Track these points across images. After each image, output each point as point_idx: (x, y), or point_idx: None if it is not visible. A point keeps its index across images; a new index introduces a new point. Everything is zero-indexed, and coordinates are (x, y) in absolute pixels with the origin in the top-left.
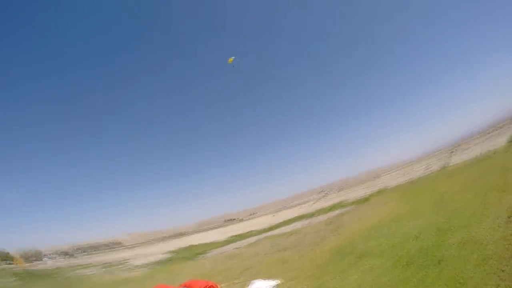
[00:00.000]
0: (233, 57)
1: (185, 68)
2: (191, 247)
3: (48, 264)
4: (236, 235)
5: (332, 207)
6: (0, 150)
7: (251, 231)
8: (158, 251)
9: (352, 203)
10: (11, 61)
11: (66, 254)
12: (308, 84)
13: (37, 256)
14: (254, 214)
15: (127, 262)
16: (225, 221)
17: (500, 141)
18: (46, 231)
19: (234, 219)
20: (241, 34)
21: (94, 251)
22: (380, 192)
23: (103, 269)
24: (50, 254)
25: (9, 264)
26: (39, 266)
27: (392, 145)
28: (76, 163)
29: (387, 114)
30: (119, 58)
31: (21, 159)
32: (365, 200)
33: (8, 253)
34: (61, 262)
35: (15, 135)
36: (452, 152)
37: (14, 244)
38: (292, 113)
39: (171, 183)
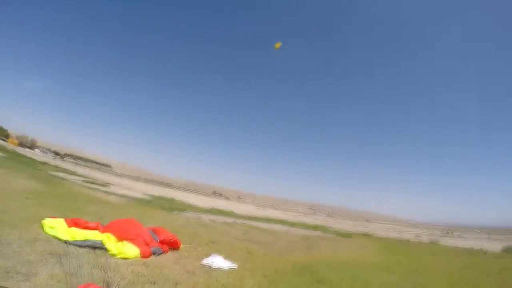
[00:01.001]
0: (280, 43)
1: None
2: (171, 199)
3: (37, 155)
4: (217, 210)
5: (314, 227)
6: None
7: (233, 211)
8: (140, 190)
9: (335, 232)
10: None
11: (56, 154)
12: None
13: (31, 144)
14: (241, 198)
15: (108, 186)
16: (212, 192)
17: (496, 246)
18: (49, 125)
19: (221, 195)
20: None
21: (83, 163)
22: (365, 235)
23: (85, 183)
24: (43, 148)
25: (3, 140)
26: (28, 153)
27: (398, 198)
28: (108, 72)
29: (411, 167)
30: None
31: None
32: (347, 235)
33: (7, 131)
34: (49, 159)
35: None
36: (448, 233)
37: (14, 125)
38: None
39: (179, 132)
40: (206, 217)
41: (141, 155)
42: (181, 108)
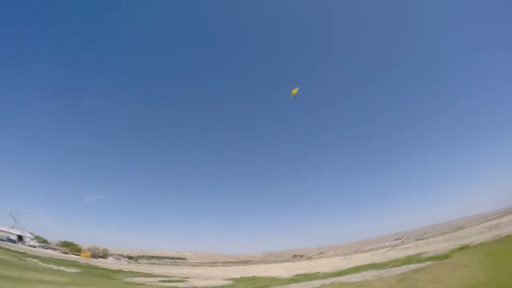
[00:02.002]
0: (298, 88)
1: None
2: (253, 278)
3: (111, 263)
4: (301, 274)
5: (407, 260)
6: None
7: (318, 272)
8: (219, 276)
9: (430, 258)
10: None
11: (130, 258)
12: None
13: (103, 253)
14: (323, 253)
15: (186, 280)
16: (293, 256)
17: None
18: (116, 232)
19: (302, 256)
20: None
21: (158, 261)
22: (463, 249)
23: (162, 283)
24: (115, 255)
25: (76, 255)
26: (102, 264)
27: (479, 193)
28: (159, 174)
29: (474, 159)
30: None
31: (105, 162)
32: (444, 257)
33: (78, 245)
34: (124, 265)
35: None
36: None
37: (86, 238)
38: (372, 156)
39: (246, 211)
40: None
41: (213, 240)
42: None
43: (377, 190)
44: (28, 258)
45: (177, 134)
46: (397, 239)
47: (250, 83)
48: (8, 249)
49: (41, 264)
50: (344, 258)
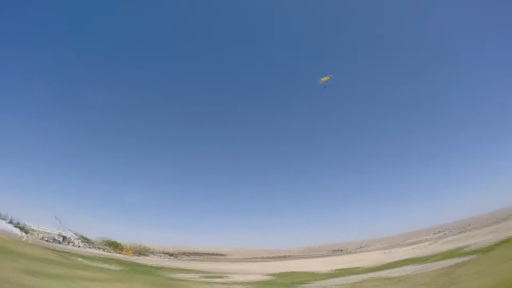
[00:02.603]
0: (329, 76)
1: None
2: (292, 273)
3: (153, 261)
4: (340, 269)
5: (450, 254)
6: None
7: (358, 267)
8: (258, 271)
9: (473, 251)
10: None
11: (171, 255)
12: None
13: (145, 251)
14: (364, 247)
15: (226, 276)
16: (332, 250)
17: None
18: (157, 230)
19: (342, 250)
20: None
21: (198, 257)
22: (507, 241)
23: (203, 278)
24: (157, 252)
25: (119, 253)
26: (144, 261)
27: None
28: (202, 171)
29: None
30: None
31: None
32: (487, 250)
33: (121, 244)
34: (166, 262)
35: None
36: None
37: (127, 236)
38: (412, 147)
39: (286, 205)
40: (331, 283)
41: (252, 235)
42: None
43: (420, 182)
44: (73, 257)
45: (213, 128)
46: (440, 231)
47: (261, 85)
48: (54, 249)
49: (86, 262)
50: (385, 252)
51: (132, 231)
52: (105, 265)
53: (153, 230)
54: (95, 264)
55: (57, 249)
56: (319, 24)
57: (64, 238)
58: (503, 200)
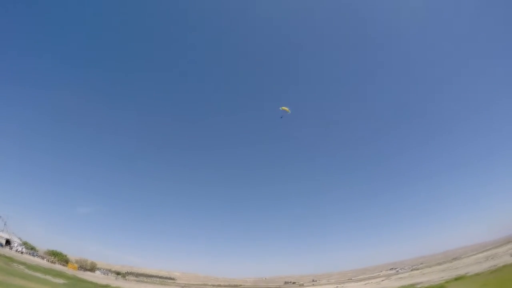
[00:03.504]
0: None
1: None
2: None
3: (99, 277)
4: None
5: None
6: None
7: None
8: None
9: None
10: None
11: (118, 274)
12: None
13: (91, 267)
14: (316, 281)
15: None
16: (284, 283)
17: None
18: (106, 247)
19: (294, 283)
20: None
21: (146, 279)
22: (458, 279)
23: None
24: (103, 269)
25: (63, 265)
26: (89, 277)
27: (477, 222)
28: (154, 190)
29: (466, 188)
30: None
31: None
32: (439, 287)
33: (66, 255)
34: (111, 280)
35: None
36: None
37: (74, 248)
38: (367, 184)
39: (239, 234)
40: None
41: (203, 261)
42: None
43: (373, 218)
44: (15, 264)
45: (177, 147)
46: (392, 268)
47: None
48: None
49: (27, 271)
50: (337, 286)
51: (80, 244)
52: (48, 277)
53: (102, 245)
54: (37, 274)
55: None
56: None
57: (8, 241)
58: (456, 240)
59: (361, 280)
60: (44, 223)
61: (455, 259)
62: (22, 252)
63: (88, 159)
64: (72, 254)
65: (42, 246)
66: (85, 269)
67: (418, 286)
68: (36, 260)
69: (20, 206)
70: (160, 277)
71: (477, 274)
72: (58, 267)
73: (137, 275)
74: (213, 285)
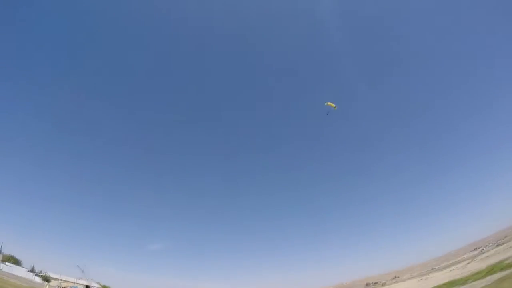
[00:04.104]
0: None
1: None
2: None
3: None
4: None
5: (491, 270)
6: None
7: None
8: None
9: None
10: None
11: None
12: None
13: None
14: (398, 277)
15: None
16: (366, 284)
17: None
18: (182, 280)
19: (376, 283)
20: None
21: None
22: None
23: None
24: None
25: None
26: None
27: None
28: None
29: None
30: None
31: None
32: None
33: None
34: None
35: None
36: None
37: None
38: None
39: (312, 241)
40: None
41: (279, 274)
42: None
43: (447, 198)
44: None
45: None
46: (476, 248)
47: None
48: None
49: None
50: (421, 279)
51: (155, 282)
52: None
53: (178, 280)
54: None
55: None
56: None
57: (87, 287)
58: None
59: (445, 267)
60: (119, 264)
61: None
62: None
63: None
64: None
65: (119, 286)
66: None
67: (507, 261)
68: None
69: (95, 250)
70: None
71: None
72: None
73: None
74: None
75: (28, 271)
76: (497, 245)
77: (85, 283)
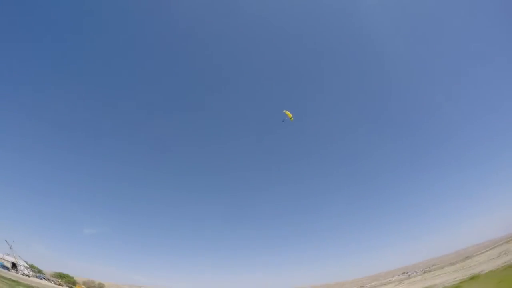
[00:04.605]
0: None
1: None
2: None
3: None
4: None
5: None
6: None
7: None
8: None
9: None
10: None
11: None
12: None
13: None
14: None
15: None
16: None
17: None
18: (115, 267)
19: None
20: None
21: None
22: (473, 279)
23: None
24: None
25: (71, 287)
26: None
27: (486, 217)
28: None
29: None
30: None
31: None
32: None
33: (73, 278)
34: None
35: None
36: None
37: (81, 271)
38: (372, 188)
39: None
40: None
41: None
42: None
43: (381, 223)
44: None
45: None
46: (404, 272)
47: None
48: (1, 276)
49: None
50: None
51: (88, 267)
52: None
53: (111, 267)
54: None
55: (5, 276)
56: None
57: (14, 265)
58: (466, 238)
59: (373, 287)
60: (51, 245)
61: (467, 257)
62: (28, 275)
63: (90, 182)
64: (80, 275)
65: (49, 268)
66: None
67: None
68: (43, 283)
69: (25, 228)
70: None
71: (491, 272)
72: None
73: None
74: None
75: None
76: (425, 272)
77: (12, 260)
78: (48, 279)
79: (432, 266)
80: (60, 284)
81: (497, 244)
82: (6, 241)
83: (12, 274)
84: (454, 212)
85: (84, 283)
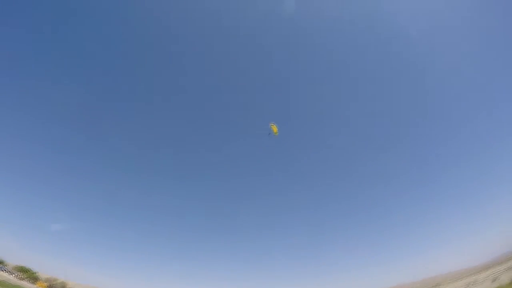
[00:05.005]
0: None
1: None
2: None
3: None
4: None
5: None
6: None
7: None
8: None
9: None
10: None
11: None
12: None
13: (61, 286)
14: None
15: None
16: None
17: None
18: (80, 266)
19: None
20: None
21: None
22: None
23: None
24: None
25: (32, 283)
26: None
27: (456, 246)
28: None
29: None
30: None
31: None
32: None
33: (35, 273)
34: None
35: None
36: None
37: (45, 267)
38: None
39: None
40: None
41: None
42: None
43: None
44: None
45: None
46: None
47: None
48: None
49: None
50: None
51: (52, 263)
52: None
53: (76, 266)
54: None
55: None
56: None
57: None
58: (434, 266)
59: None
60: (16, 237)
61: (434, 287)
62: None
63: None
64: (43, 271)
65: (12, 261)
66: None
67: None
68: (4, 275)
69: None
70: None
71: None
72: (26, 285)
73: None
74: None
75: None
76: None
77: None
78: (10, 272)
79: None
80: (21, 279)
81: (466, 274)
82: None
83: None
84: (423, 240)
85: (46, 280)
